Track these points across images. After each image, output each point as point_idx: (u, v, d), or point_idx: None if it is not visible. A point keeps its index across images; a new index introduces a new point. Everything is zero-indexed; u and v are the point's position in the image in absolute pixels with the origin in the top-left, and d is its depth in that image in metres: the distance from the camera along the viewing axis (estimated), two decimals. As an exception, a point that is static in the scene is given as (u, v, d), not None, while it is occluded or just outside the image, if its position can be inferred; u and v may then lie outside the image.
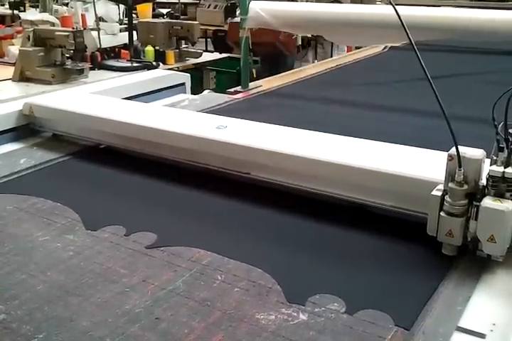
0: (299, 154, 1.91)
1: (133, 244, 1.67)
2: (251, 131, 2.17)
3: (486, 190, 1.48)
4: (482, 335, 1.27)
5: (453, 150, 1.49)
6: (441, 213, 1.52)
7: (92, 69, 4.52)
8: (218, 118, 2.35)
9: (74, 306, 1.38)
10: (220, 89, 4.48)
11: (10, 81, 4.29)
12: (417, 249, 1.63)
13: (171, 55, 5.12)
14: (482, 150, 1.52)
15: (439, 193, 1.53)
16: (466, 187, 1.48)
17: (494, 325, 1.30)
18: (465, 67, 4.24)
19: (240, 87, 3.90)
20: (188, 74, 3.70)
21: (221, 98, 3.48)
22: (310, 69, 4.66)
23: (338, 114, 3.13)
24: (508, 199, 1.45)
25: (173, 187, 2.08)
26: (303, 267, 1.56)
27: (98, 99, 2.70)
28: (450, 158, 1.51)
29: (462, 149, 1.48)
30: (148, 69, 4.34)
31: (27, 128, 2.66)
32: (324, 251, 1.64)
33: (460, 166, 1.47)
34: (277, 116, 2.98)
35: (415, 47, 1.43)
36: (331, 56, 7.93)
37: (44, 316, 1.34)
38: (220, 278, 1.49)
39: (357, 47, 5.93)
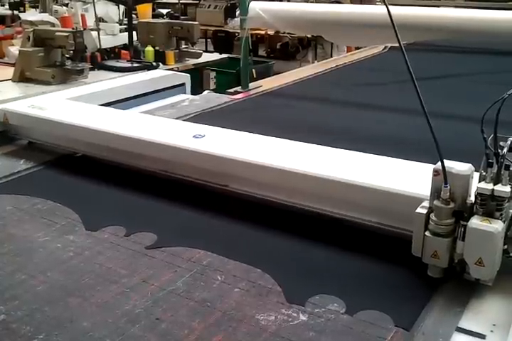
0: (279, 166, 1.80)
1: (133, 244, 1.67)
2: (229, 141, 2.04)
3: (474, 209, 1.36)
4: (482, 336, 1.26)
5: (439, 164, 1.38)
6: (426, 233, 1.40)
7: (92, 69, 4.51)
8: (196, 126, 2.25)
9: (74, 307, 1.38)
10: (220, 89, 4.48)
11: (10, 81, 4.29)
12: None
13: (170, 55, 5.11)
14: (470, 165, 1.40)
15: (424, 211, 1.41)
16: (452, 205, 1.37)
17: (494, 325, 1.30)
18: (465, 67, 4.23)
19: (239, 87, 3.91)
20: (188, 75, 3.70)
21: (221, 98, 3.48)
22: (310, 69, 4.66)
23: (337, 115, 3.12)
24: (498, 218, 1.33)
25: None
26: (303, 267, 1.56)
27: (74, 106, 2.59)
28: (436, 173, 1.39)
29: (449, 163, 1.37)
30: (148, 70, 4.34)
31: (3, 135, 2.57)
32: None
33: (446, 183, 1.36)
34: (277, 117, 2.99)
35: (403, 47, 1.35)
36: (331, 56, 7.94)
37: (44, 317, 1.33)
38: (220, 278, 1.49)
39: (357, 48, 5.93)
